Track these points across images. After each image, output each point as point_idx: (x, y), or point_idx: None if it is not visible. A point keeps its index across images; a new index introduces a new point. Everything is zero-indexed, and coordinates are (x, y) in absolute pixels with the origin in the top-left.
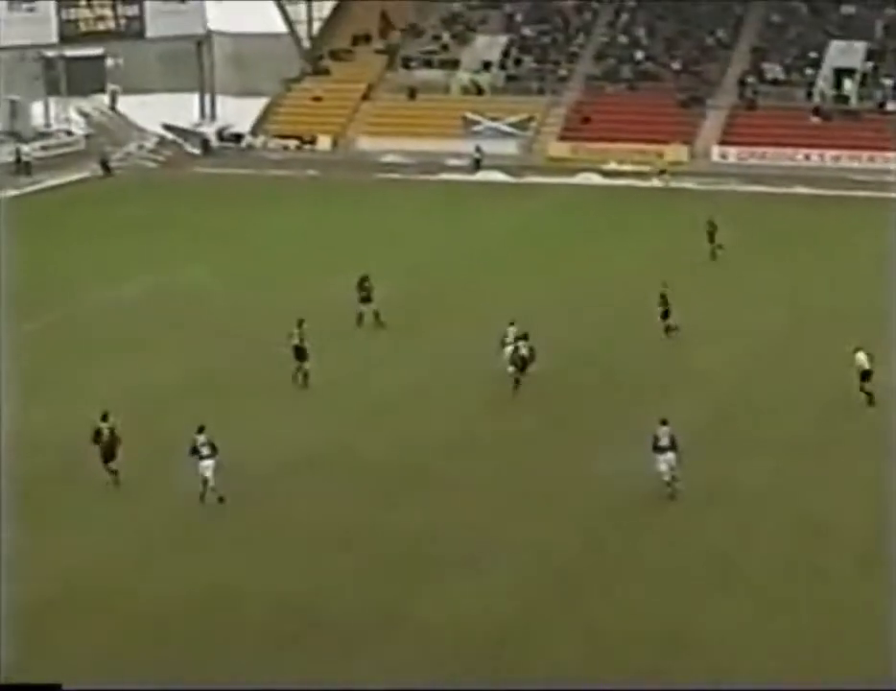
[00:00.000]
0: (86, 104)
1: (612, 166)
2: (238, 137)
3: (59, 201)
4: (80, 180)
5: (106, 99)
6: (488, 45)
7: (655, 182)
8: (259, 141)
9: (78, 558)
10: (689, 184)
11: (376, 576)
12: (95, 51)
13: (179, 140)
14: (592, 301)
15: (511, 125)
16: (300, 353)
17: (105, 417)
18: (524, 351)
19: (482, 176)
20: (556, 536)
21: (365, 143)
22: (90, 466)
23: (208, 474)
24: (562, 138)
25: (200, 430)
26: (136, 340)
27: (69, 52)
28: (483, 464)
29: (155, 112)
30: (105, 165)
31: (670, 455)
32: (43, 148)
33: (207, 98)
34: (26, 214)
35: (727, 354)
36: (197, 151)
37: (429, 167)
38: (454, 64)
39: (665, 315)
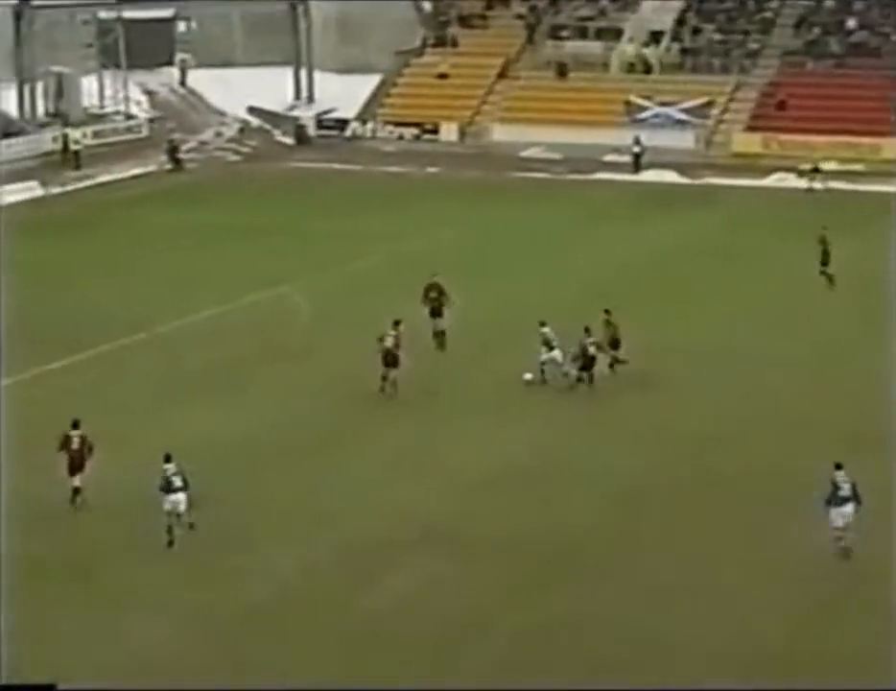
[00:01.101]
0: (151, 79)
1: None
2: (341, 124)
3: (116, 200)
4: (142, 175)
5: (175, 73)
6: (659, 10)
7: (814, 184)
8: (368, 129)
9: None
10: None
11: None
12: (162, 13)
13: (268, 127)
14: (761, 336)
15: (687, 111)
16: (390, 359)
17: (76, 425)
18: (592, 350)
19: (647, 176)
20: (739, 637)
21: (501, 133)
22: (154, 532)
23: (181, 508)
24: (751, 129)
25: (168, 459)
26: (216, 376)
27: (130, 13)
28: (634, 538)
29: (238, 91)
30: (173, 157)
31: (848, 507)
32: (96, 134)
33: (303, 74)
34: (74, 215)
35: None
36: (290, 140)
37: (581, 164)
38: (615, 35)
39: (614, 345)
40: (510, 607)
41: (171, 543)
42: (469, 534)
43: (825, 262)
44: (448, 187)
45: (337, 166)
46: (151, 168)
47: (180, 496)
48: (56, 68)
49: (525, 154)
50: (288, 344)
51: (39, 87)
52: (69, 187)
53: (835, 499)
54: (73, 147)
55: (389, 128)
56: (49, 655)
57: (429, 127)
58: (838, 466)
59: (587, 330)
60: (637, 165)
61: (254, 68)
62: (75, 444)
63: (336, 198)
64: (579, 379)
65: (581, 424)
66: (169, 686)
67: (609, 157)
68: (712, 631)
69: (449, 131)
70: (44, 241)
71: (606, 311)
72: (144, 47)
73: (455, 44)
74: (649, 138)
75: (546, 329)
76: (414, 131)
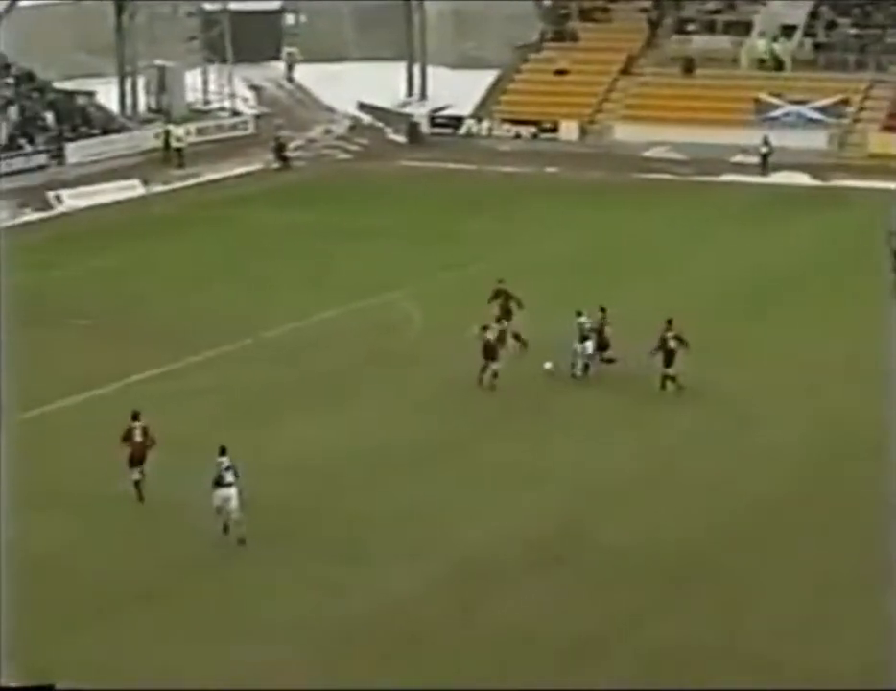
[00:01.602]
0: (257, 74)
1: None
2: (456, 122)
3: (220, 200)
4: (247, 174)
5: (282, 68)
6: (791, 4)
7: None
8: (483, 127)
9: None
10: None
11: None
12: (270, 5)
13: (379, 124)
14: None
15: (820, 110)
16: (490, 351)
17: (136, 417)
18: (672, 344)
19: (777, 177)
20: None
21: (624, 132)
22: (261, 544)
23: (232, 505)
24: (888, 128)
25: (223, 452)
26: (324, 384)
27: (236, 5)
28: (756, 554)
29: (348, 87)
30: (281, 155)
31: None
32: (200, 131)
33: (417, 69)
34: (176, 216)
35: None
36: (402, 138)
37: (707, 165)
38: (744, 29)
39: (601, 346)
40: (630, 627)
41: (226, 529)
42: (589, 548)
43: None
44: (567, 188)
45: (450, 166)
46: (256, 167)
47: (231, 491)
48: (158, 62)
49: (648, 154)
50: (398, 351)
51: (141, 82)
52: (171, 186)
53: None
54: (176, 144)
55: (506, 126)
56: (154, 668)
57: (547, 125)
58: None
59: (669, 323)
60: (765, 166)
61: (365, 63)
62: (137, 436)
63: (449, 199)
64: (664, 377)
65: (687, 430)
66: None
67: (737, 158)
68: (838, 665)
69: (569, 130)
70: (145, 242)
71: (602, 309)
72: (250, 40)
73: (575, 39)
74: (780, 138)
75: (582, 319)
76: (532, 129)
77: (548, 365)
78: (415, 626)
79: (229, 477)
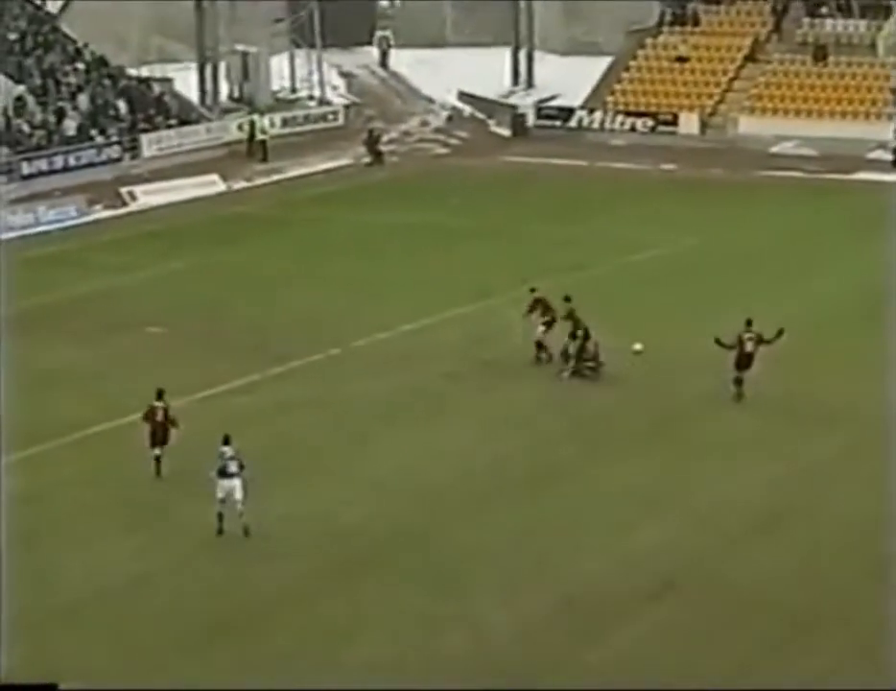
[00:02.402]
0: (348, 60)
1: None
2: (565, 113)
3: (306, 197)
4: (336, 170)
5: (375, 53)
6: None
7: None
8: (595, 119)
9: None
10: None
11: None
12: None
13: (481, 115)
14: None
15: None
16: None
17: (160, 396)
18: (750, 347)
19: None
20: None
21: (748, 125)
22: (345, 572)
23: (236, 496)
24: None
25: (226, 441)
26: (418, 399)
27: None
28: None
29: (447, 75)
30: (373, 149)
31: None
32: (286, 122)
33: (522, 56)
34: (259, 214)
35: None
36: (505, 131)
37: (840, 162)
38: (883, 12)
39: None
40: (753, 668)
41: (221, 532)
42: (711, 585)
43: None
44: (686, 187)
45: (559, 161)
46: (347, 161)
47: (234, 482)
48: (241, 47)
49: (775, 149)
50: (498, 362)
51: (222, 69)
52: (254, 182)
53: None
54: (260, 136)
55: (620, 118)
56: None
57: (665, 117)
58: None
59: (748, 323)
60: None
61: (466, 49)
62: (159, 416)
63: (557, 198)
64: (737, 381)
65: (826, 456)
66: None
67: (873, 154)
68: None
69: (688, 123)
70: (225, 243)
71: (567, 298)
72: (341, 24)
73: (696, 22)
74: None
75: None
76: (649, 121)
77: (638, 346)
78: (517, 664)
79: (233, 467)
